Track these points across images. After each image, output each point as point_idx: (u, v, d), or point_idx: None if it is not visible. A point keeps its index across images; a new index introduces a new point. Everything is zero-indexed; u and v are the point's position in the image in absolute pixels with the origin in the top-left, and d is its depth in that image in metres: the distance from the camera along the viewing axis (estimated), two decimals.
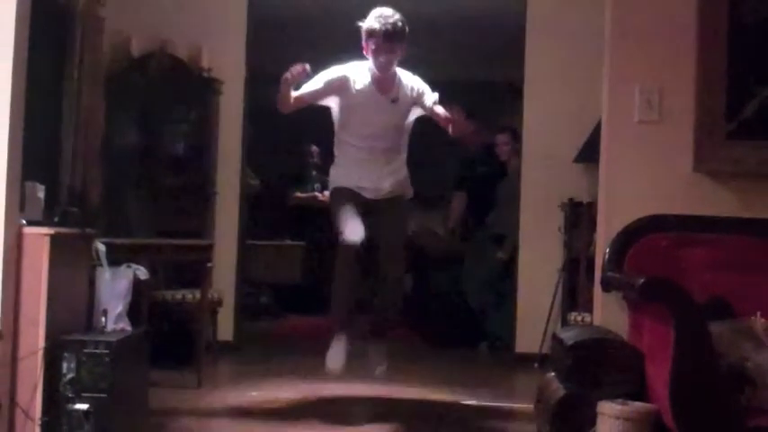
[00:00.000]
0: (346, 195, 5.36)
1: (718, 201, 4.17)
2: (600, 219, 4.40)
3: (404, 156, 5.53)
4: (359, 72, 5.31)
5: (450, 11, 8.58)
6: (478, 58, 9.93)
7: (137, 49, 7.58)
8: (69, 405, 4.13)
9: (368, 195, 5.38)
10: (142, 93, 7.54)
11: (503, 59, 8.44)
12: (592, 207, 6.15)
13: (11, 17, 4.10)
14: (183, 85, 7.68)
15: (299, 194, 10.28)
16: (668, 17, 4.19)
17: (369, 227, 5.19)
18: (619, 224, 4.12)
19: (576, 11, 7.31)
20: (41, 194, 4.47)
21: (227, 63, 7.83)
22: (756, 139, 4.13)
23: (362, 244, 5.10)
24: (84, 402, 4.13)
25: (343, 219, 5.21)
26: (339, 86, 5.32)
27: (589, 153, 6.68)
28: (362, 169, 5.38)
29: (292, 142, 10.92)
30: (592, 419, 3.47)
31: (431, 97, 5.29)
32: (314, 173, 10.33)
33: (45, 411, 4.12)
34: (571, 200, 7.36)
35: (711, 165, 4.16)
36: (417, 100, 5.34)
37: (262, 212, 9.96)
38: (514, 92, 8.22)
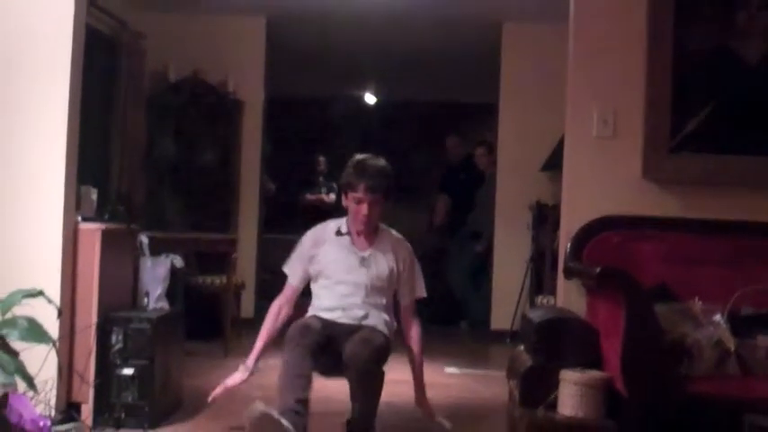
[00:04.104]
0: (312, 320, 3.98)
1: (663, 204, 4.16)
2: (563, 218, 4.38)
3: (388, 308, 4.11)
4: (331, 230, 4.10)
5: (435, 40, 8.59)
6: (460, 81, 9.94)
7: (173, 75, 7.62)
8: (118, 370, 4.14)
9: (341, 321, 3.98)
10: (177, 112, 7.58)
11: (481, 83, 8.45)
12: (556, 208, 6.13)
13: (68, 50, 4.11)
14: (212, 105, 7.76)
15: (308, 196, 10.26)
16: (622, 48, 4.18)
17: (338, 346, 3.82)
18: (578, 223, 4.11)
19: (542, 42, 7.31)
20: (94, 196, 4.47)
21: (249, 87, 7.89)
22: (696, 152, 4.12)
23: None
24: (130, 368, 4.14)
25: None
26: (314, 248, 4.07)
27: (554, 163, 6.69)
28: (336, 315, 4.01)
29: (303, 153, 10.92)
30: (555, 385, 3.45)
31: (410, 293, 4.15)
32: (321, 179, 10.31)
33: (97, 375, 4.14)
34: (538, 202, 7.38)
35: (657, 173, 4.15)
36: (400, 272, 4.09)
37: (277, 211, 9.97)
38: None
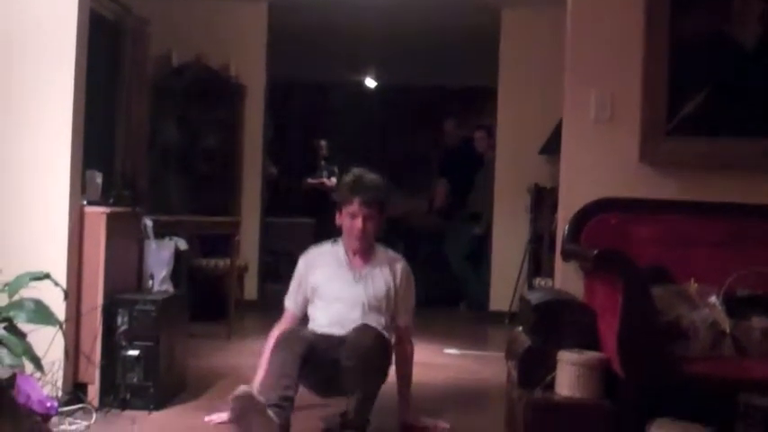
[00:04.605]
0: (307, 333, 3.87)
1: (659, 186, 4.14)
2: (560, 201, 4.37)
3: (386, 329, 3.92)
4: (326, 250, 4.05)
5: (435, 25, 8.57)
6: (460, 65, 9.91)
7: (176, 60, 7.60)
8: (123, 352, 4.14)
9: (337, 333, 3.81)
10: (180, 96, 7.56)
11: (480, 67, 8.43)
12: (554, 191, 6.13)
13: (72, 35, 4.11)
14: (215, 90, 7.74)
15: (309, 180, 10.25)
16: (620, 32, 4.16)
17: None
18: (576, 205, 4.09)
19: (541, 27, 7.29)
20: (99, 180, 4.47)
21: (251, 72, 7.88)
22: (692, 135, 4.11)
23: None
24: (135, 349, 4.14)
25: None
26: (308, 270, 4.01)
27: (552, 146, 6.68)
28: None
29: (304, 137, 10.92)
30: (552, 366, 3.45)
31: (406, 313, 4.05)
32: (322, 162, 10.29)
33: (103, 357, 4.14)
34: (536, 185, 7.37)
35: (654, 157, 4.13)
36: (397, 288, 3.98)
37: (279, 195, 9.97)
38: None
